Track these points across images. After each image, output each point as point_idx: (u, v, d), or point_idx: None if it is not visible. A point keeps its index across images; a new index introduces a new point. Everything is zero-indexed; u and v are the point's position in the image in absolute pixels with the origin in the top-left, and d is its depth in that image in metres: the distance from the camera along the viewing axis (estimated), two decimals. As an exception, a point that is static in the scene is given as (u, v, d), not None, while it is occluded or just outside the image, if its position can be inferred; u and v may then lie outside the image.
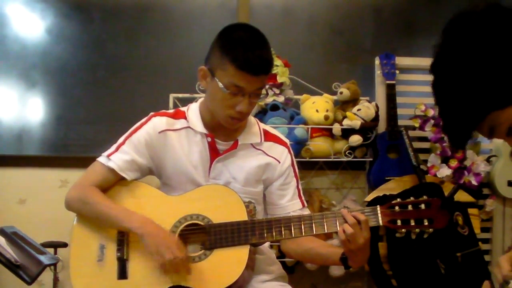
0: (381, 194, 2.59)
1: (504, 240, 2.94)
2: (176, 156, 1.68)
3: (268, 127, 1.80)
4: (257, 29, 1.61)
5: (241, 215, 1.58)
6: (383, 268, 2.57)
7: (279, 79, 2.65)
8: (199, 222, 1.59)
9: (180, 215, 1.60)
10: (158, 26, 2.95)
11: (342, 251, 1.55)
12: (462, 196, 2.69)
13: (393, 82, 2.80)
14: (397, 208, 1.50)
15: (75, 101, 2.91)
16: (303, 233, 1.55)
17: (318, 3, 3.07)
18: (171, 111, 1.75)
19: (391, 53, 2.83)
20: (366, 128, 2.69)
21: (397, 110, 2.76)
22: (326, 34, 3.08)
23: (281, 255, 2.18)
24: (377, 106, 2.76)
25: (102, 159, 1.67)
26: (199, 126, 1.68)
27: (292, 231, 1.55)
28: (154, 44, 2.94)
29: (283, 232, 1.55)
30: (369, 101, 2.80)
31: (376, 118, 2.72)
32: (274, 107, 2.64)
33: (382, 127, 2.80)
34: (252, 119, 1.77)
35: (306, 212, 1.74)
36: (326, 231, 1.54)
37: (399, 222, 1.49)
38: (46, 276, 2.47)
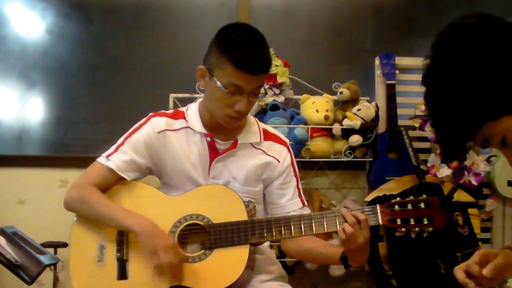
0: (381, 194, 2.58)
1: (504, 240, 2.93)
2: (176, 156, 1.68)
3: (267, 127, 1.80)
4: (255, 28, 1.61)
5: (241, 215, 1.58)
6: (383, 268, 2.57)
7: (279, 79, 2.65)
8: (199, 222, 1.59)
9: (180, 215, 1.60)
10: (158, 26, 2.95)
11: (342, 251, 1.54)
12: (462, 196, 2.69)
13: (393, 82, 2.79)
14: (396, 207, 1.50)
15: (75, 101, 2.91)
16: (303, 233, 1.55)
17: (318, 3, 3.07)
18: (170, 111, 1.75)
19: (391, 53, 2.82)
20: (366, 128, 2.69)
21: (397, 110, 2.76)
22: (326, 34, 3.07)
23: (281, 255, 2.18)
24: (377, 106, 2.76)
25: (101, 159, 1.67)
26: (198, 126, 1.68)
27: (292, 231, 1.55)
28: (154, 44, 2.94)
29: (283, 232, 1.55)
30: (369, 101, 2.80)
31: (376, 118, 2.72)
32: (274, 107, 2.64)
33: (382, 127, 2.80)
34: (251, 118, 1.77)
35: (306, 211, 1.74)
36: (326, 230, 1.54)
37: (398, 221, 1.49)
38: (46, 276, 2.47)
